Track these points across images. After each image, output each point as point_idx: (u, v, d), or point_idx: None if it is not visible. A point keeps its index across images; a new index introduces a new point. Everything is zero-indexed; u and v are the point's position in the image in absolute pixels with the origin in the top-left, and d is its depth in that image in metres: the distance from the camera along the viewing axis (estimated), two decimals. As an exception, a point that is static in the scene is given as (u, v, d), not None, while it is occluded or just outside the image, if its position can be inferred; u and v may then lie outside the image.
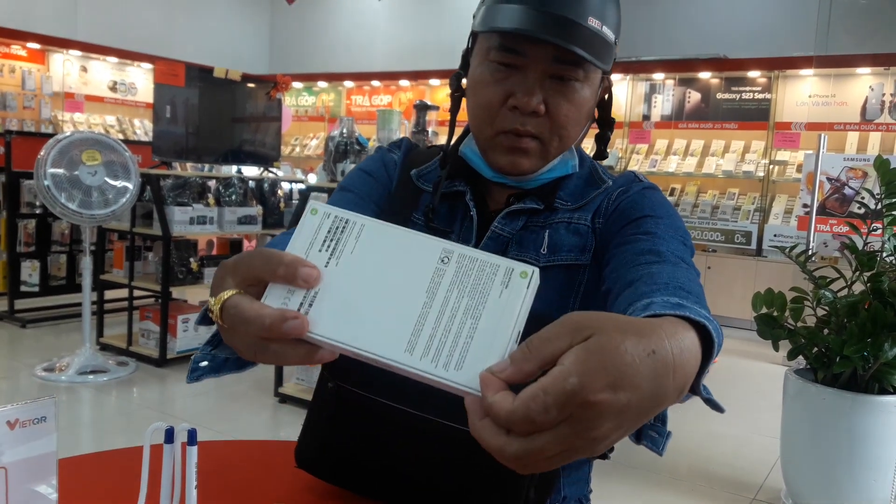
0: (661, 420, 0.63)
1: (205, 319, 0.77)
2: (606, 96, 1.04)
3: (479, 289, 0.55)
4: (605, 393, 0.45)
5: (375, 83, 9.15)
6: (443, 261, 0.56)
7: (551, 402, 0.45)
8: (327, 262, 0.57)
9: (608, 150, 1.08)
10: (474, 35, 1.00)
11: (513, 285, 0.54)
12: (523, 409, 0.46)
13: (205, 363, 0.78)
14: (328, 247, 0.58)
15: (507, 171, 0.97)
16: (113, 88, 8.59)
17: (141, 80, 8.81)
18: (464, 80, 1.04)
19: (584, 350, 0.46)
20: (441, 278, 0.55)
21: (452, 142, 1.08)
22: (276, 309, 0.55)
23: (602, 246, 0.97)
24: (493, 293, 0.54)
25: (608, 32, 0.91)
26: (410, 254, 0.57)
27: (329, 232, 0.59)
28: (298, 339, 0.55)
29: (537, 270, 0.55)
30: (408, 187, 1.06)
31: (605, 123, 1.06)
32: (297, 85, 9.58)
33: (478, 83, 0.96)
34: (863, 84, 6.35)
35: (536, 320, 0.55)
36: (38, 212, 5.27)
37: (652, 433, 0.65)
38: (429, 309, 0.54)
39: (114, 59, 8.50)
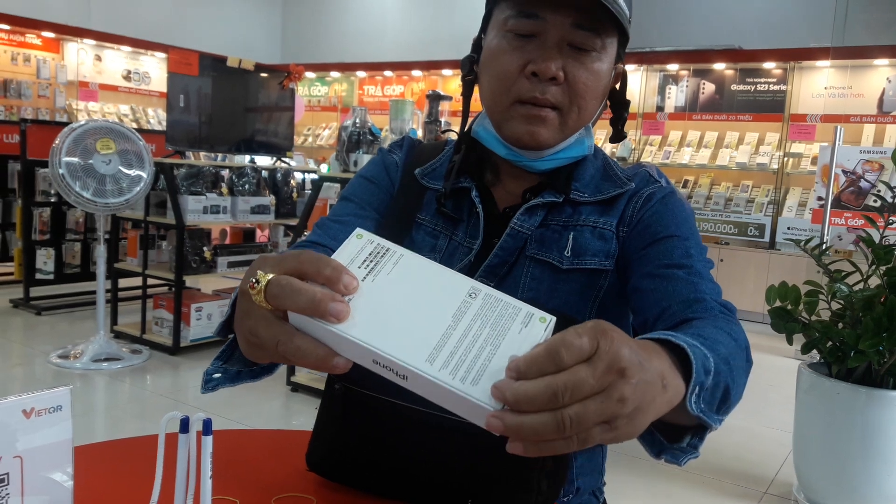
0: (692, 446, 0.69)
1: (223, 330, 0.78)
2: (618, 85, 1.04)
3: (501, 324, 0.58)
4: (633, 361, 0.52)
5: (388, 73, 9.13)
6: (470, 295, 0.60)
7: (583, 331, 0.51)
8: (364, 279, 0.60)
9: (626, 132, 1.06)
10: (489, 13, 0.99)
11: (532, 326, 0.58)
12: (560, 336, 0.51)
13: (218, 375, 0.79)
14: (367, 266, 0.61)
15: (525, 142, 0.95)
16: (127, 77, 8.62)
17: (154, 70, 8.83)
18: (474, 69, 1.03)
19: (604, 336, 0.52)
20: (467, 308, 0.59)
21: (467, 127, 1.07)
22: (326, 290, 0.57)
23: (625, 256, 0.97)
24: (514, 329, 0.58)
25: (622, 4, 0.91)
26: (442, 285, 0.61)
27: (370, 255, 0.62)
28: (320, 340, 0.57)
29: (554, 319, 0.59)
30: (411, 188, 1.05)
31: (620, 104, 1.05)
32: (309, 75, 9.58)
33: (494, 53, 0.95)
34: (880, 76, 6.28)
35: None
36: (52, 200, 5.30)
37: (676, 451, 0.69)
38: (453, 331, 0.57)
39: (127, 48, 8.53)
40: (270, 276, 0.59)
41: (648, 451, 0.72)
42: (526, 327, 0.58)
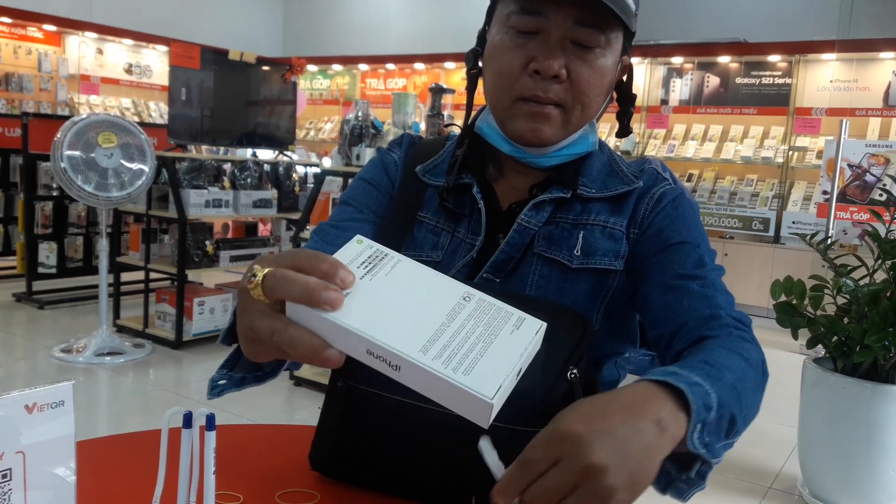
0: (700, 475, 0.71)
1: (227, 338, 0.79)
2: (625, 77, 1.02)
3: (493, 325, 0.60)
4: (579, 424, 0.57)
5: (390, 66, 9.11)
6: (465, 298, 0.62)
7: (536, 443, 0.58)
8: (361, 278, 0.61)
9: (631, 127, 1.05)
10: (492, 6, 0.98)
11: (523, 330, 0.60)
12: (520, 459, 0.58)
13: (223, 381, 0.80)
14: (365, 267, 0.62)
15: (528, 139, 0.94)
16: (128, 71, 8.61)
17: (156, 63, 8.82)
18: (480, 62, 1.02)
19: (554, 419, 0.60)
20: (461, 310, 0.61)
21: (470, 121, 1.06)
22: (320, 280, 0.58)
23: (635, 258, 0.96)
24: (505, 330, 0.60)
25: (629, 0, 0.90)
26: (437, 288, 0.63)
27: (368, 258, 0.64)
28: (315, 332, 0.59)
29: (545, 325, 0.61)
30: (412, 185, 1.04)
31: (626, 99, 1.03)
32: (311, 68, 9.57)
33: (497, 50, 0.94)
34: (886, 69, 6.25)
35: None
36: (54, 194, 5.30)
37: (681, 485, 0.72)
38: (447, 327, 0.59)
39: (129, 42, 8.52)
40: (267, 270, 0.60)
41: (654, 487, 0.73)
42: (518, 330, 0.60)
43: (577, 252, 0.95)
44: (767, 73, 6.68)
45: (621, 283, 0.96)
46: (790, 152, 6.56)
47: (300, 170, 5.21)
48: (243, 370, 0.81)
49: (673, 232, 0.95)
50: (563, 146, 0.97)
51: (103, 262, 4.02)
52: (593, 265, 0.95)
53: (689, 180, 6.96)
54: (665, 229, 0.95)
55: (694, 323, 0.87)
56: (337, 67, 9.54)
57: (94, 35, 8.17)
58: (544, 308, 0.88)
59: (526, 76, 0.91)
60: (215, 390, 0.80)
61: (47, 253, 5.28)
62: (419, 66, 8.85)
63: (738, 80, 6.83)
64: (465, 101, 1.06)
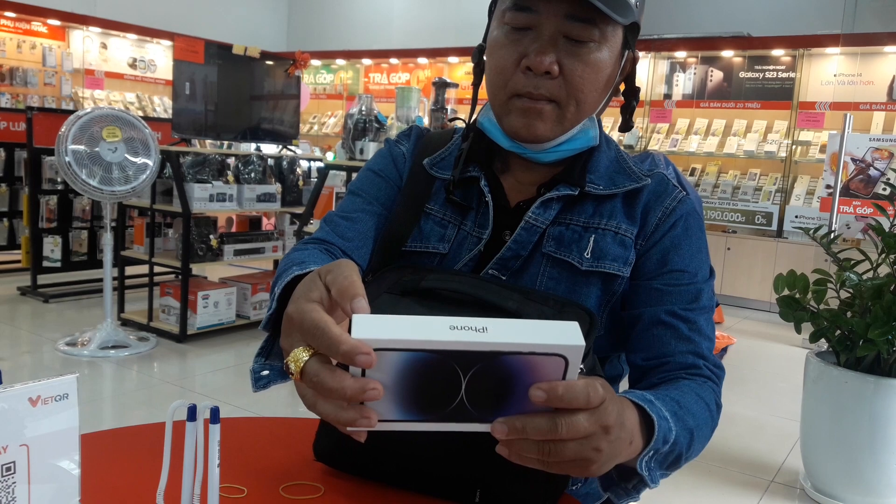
0: (635, 489, 0.79)
1: (268, 325, 0.80)
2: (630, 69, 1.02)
3: None
4: (611, 405, 0.64)
5: (394, 61, 9.10)
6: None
7: (601, 386, 0.61)
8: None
9: (633, 121, 1.05)
10: (493, 2, 0.98)
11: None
12: (593, 381, 0.61)
13: (266, 372, 0.81)
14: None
15: (522, 135, 0.94)
16: (132, 65, 8.61)
17: (160, 57, 8.82)
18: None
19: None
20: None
21: (475, 116, 1.06)
22: (355, 384, 0.57)
23: (635, 270, 0.97)
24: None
25: None
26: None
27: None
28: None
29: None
30: (420, 178, 1.04)
31: (630, 93, 1.03)
32: (315, 63, 9.56)
33: (493, 46, 0.94)
34: (890, 63, 6.22)
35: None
36: (59, 188, 5.31)
37: (619, 490, 0.80)
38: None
39: (133, 36, 8.52)
40: (301, 360, 0.61)
41: (599, 484, 0.81)
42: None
43: (588, 255, 0.95)
44: (771, 67, 6.66)
45: (625, 289, 0.97)
46: (793, 146, 6.53)
47: (304, 164, 5.21)
48: (278, 358, 0.81)
49: (678, 257, 0.96)
50: (561, 141, 0.97)
51: (108, 256, 4.03)
52: (603, 269, 0.95)
53: (691, 174, 6.94)
54: (671, 251, 0.96)
55: (676, 366, 0.92)
56: (340, 62, 9.52)
57: (98, 30, 8.17)
58: (551, 301, 0.88)
59: (519, 73, 0.91)
60: (260, 382, 0.81)
61: (52, 247, 5.29)
62: (422, 60, 8.83)
63: (742, 75, 6.80)
64: (467, 95, 1.06)
